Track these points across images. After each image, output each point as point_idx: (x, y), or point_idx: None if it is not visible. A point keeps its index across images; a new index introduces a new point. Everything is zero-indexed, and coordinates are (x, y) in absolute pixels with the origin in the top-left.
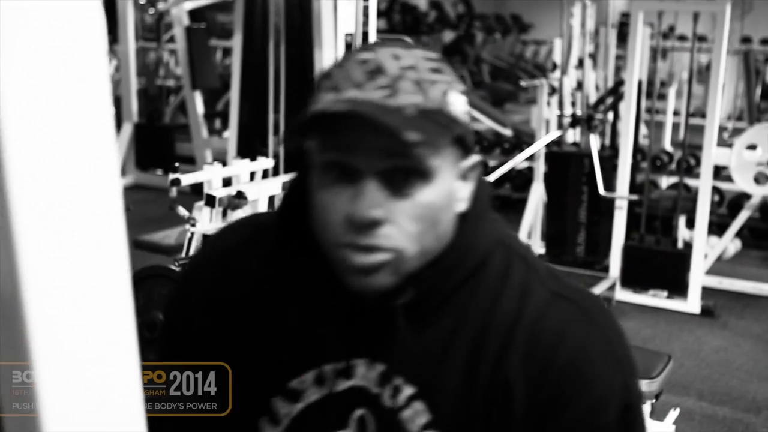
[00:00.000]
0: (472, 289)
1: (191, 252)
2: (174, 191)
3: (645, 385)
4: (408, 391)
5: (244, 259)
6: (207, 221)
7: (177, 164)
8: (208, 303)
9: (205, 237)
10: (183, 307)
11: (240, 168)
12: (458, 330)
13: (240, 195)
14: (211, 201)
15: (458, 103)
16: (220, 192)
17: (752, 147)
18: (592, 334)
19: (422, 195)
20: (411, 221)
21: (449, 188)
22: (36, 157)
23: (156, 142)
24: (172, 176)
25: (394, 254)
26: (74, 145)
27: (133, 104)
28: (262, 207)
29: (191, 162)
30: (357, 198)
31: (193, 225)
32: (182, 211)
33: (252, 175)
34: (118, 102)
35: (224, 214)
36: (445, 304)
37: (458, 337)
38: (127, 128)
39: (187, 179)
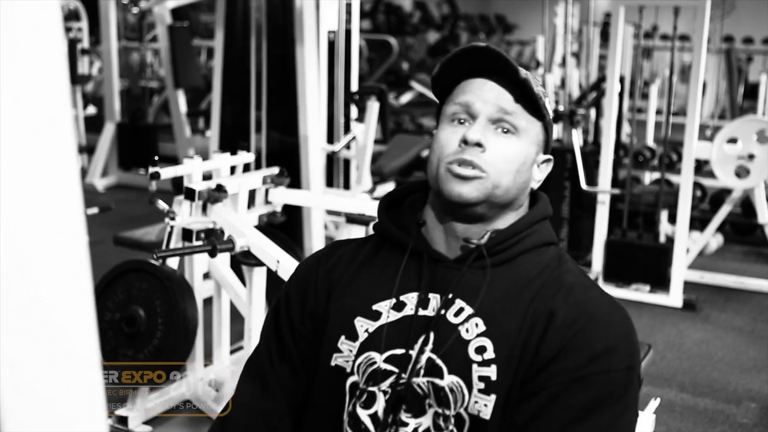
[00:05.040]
0: (536, 259)
1: (171, 246)
2: (154, 185)
3: None
4: (469, 310)
5: (346, 246)
6: (187, 215)
7: (157, 158)
8: (316, 270)
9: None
10: (297, 275)
11: (220, 162)
12: (521, 282)
13: (220, 188)
14: (190, 194)
15: (549, 110)
16: (199, 185)
17: (733, 141)
18: (616, 313)
19: (512, 142)
20: (500, 156)
21: (529, 153)
22: None
23: (139, 141)
24: (152, 170)
25: (484, 175)
26: (33, 145)
27: (116, 104)
28: (243, 201)
29: (174, 162)
30: (470, 128)
31: (173, 218)
32: (162, 204)
33: (233, 170)
34: (101, 102)
35: (204, 208)
36: (512, 260)
37: (520, 287)
38: (110, 128)
39: (167, 172)
